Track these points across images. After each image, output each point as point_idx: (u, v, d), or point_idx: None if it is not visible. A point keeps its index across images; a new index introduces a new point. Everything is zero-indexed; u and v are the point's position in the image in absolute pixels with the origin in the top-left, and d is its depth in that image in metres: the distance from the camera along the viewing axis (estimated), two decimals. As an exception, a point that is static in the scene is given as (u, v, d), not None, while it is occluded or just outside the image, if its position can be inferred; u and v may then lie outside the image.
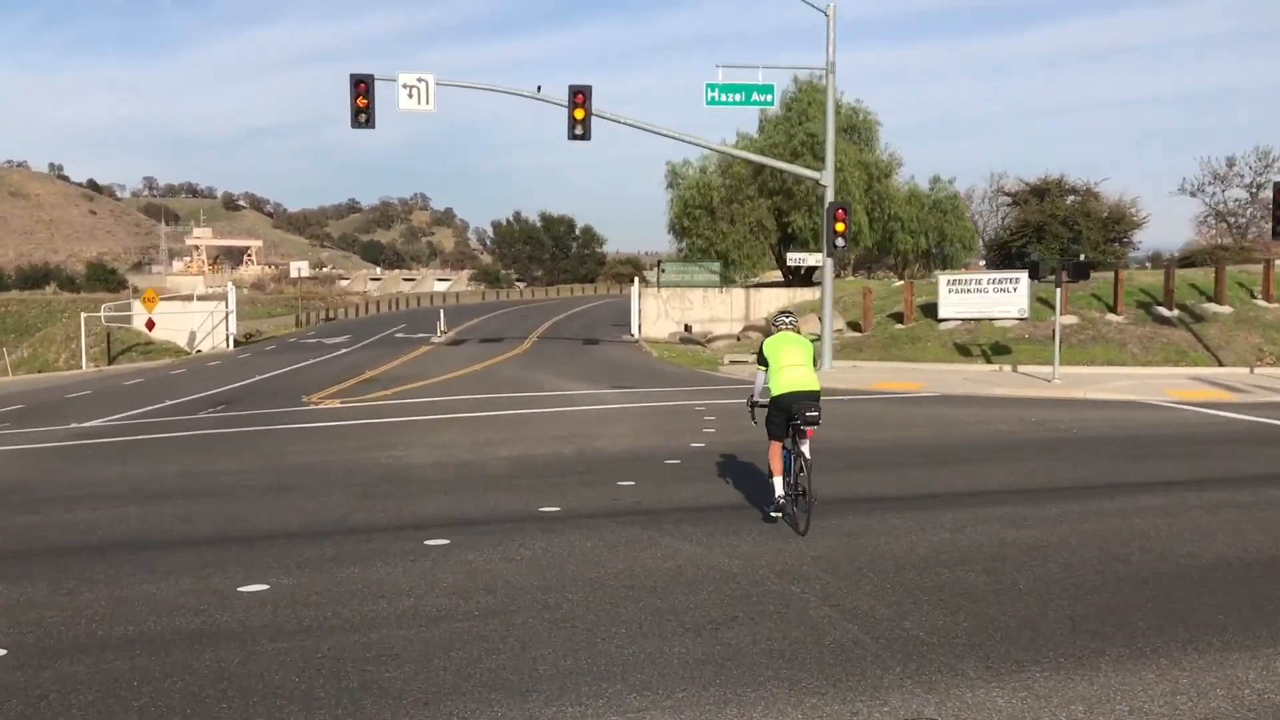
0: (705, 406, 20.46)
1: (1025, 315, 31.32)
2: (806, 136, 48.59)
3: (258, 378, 31.63)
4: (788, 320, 10.26)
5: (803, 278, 54.03)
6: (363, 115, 27.72)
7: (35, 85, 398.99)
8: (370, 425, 19.02)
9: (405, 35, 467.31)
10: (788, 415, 9.52)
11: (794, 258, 54.45)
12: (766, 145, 49.92)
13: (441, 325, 48.30)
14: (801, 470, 9.43)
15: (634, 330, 47.45)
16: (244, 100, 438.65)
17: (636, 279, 49.58)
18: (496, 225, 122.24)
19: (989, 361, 29.55)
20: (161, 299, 47.16)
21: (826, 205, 28.94)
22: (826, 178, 29.34)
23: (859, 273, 65.72)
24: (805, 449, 9.46)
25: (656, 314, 47.39)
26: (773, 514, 9.74)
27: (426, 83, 28.04)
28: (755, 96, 28.79)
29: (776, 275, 56.93)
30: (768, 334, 10.45)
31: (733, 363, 33.14)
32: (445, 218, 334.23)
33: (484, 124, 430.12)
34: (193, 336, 45.23)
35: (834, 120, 29.35)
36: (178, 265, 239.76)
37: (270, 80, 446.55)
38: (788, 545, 8.98)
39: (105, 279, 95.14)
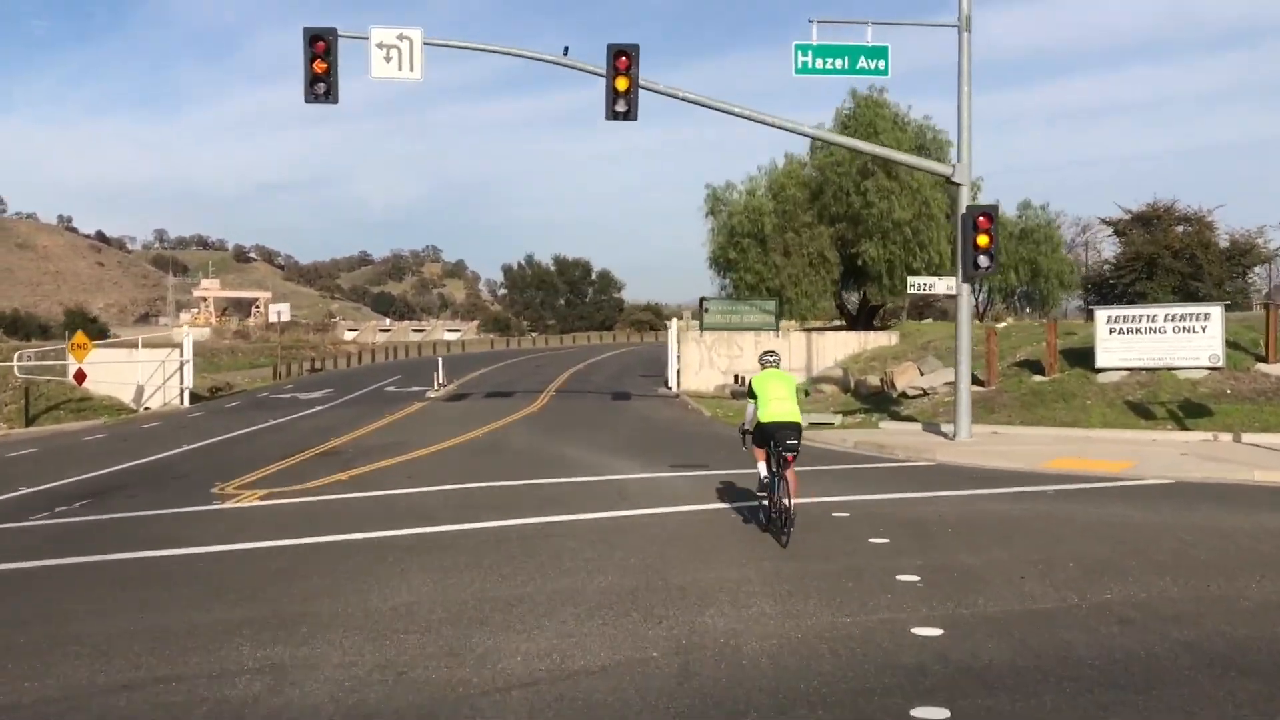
0: (851, 512, 12.11)
1: (1219, 363, 22.94)
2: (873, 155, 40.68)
3: (184, 448, 23.34)
4: (772, 359, 11.82)
5: (864, 320, 45.73)
6: (321, 84, 19.71)
7: (55, 139, 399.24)
8: (275, 558, 10.65)
9: (422, 90, 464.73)
10: (771, 440, 10.60)
11: (851, 299, 46.42)
12: (828, 164, 41.98)
13: (440, 377, 40.08)
14: (785, 494, 10.30)
15: (672, 381, 39.14)
16: (258, 155, 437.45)
17: (675, 321, 41.15)
18: (507, 270, 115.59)
19: (1183, 427, 21.08)
20: (96, 345, 38.99)
21: (961, 212, 20.72)
22: (961, 174, 21.13)
23: (925, 317, 57.33)
24: (789, 474, 10.37)
25: (699, 362, 39.16)
26: (759, 495, 11.24)
27: (411, 41, 20.06)
28: (863, 63, 20.65)
29: (827, 316, 48.69)
30: (762, 367, 11.64)
31: (819, 424, 24.76)
32: (456, 269, 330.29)
33: (501, 176, 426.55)
34: (139, 391, 37.06)
35: (968, 95, 21.16)
36: (185, 317, 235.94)
37: (284, 136, 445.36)
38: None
39: (84, 328, 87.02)
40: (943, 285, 23.37)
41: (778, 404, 10.66)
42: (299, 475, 17.22)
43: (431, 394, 37.98)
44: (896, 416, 25.94)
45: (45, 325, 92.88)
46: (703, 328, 39.42)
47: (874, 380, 31.51)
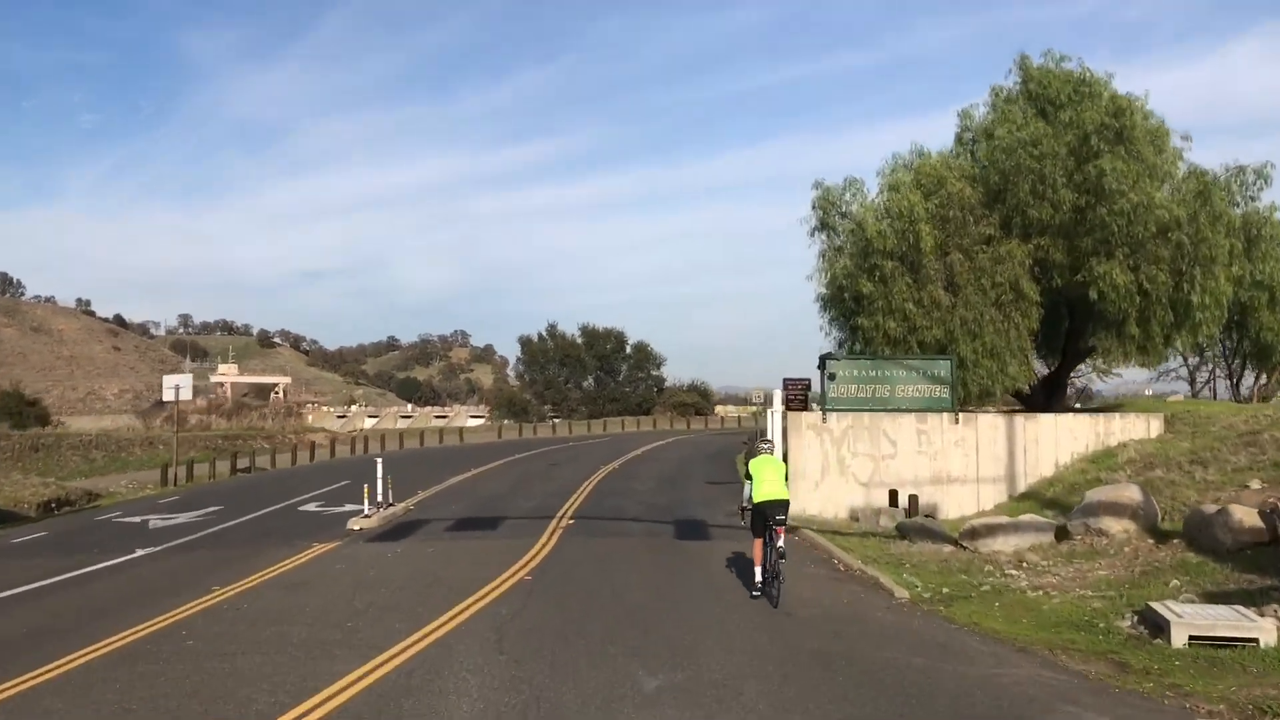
0: None
1: None
2: (1097, 125, 24.45)
3: None
4: (766, 446, 14.05)
5: (1048, 394, 28.78)
6: None
7: (95, 229, 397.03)
8: None
9: (463, 178, 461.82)
10: (765, 518, 12.93)
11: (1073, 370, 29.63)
12: (1013, 145, 25.64)
13: (378, 490, 23.09)
14: (776, 558, 12.89)
15: (774, 501, 22.40)
16: (295, 244, 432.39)
17: (778, 394, 23.99)
18: (525, 343, 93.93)
19: None
20: None
21: None
22: None
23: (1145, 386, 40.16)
24: (780, 543, 12.90)
25: (822, 465, 22.40)
26: (754, 595, 13.13)
27: None
28: None
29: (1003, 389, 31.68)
30: (753, 454, 13.74)
31: (1228, 641, 7.97)
32: (485, 354, 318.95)
33: (535, 263, 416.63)
34: None
35: None
36: (203, 403, 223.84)
37: (322, 225, 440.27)
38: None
39: (21, 411, 71.58)
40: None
41: (769, 485, 13.11)
42: None
43: (356, 523, 21.43)
44: None
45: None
46: (826, 406, 22.70)
47: (1242, 514, 14.54)
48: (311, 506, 26.04)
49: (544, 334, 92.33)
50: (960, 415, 22.57)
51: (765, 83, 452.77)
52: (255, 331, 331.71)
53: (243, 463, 43.01)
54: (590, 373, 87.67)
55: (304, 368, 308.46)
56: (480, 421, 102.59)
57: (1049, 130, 25.03)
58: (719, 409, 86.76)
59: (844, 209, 27.24)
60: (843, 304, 26.81)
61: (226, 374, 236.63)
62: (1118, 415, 23.78)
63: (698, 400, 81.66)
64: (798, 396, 31.27)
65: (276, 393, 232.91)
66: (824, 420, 22.57)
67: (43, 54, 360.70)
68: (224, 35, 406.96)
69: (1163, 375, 38.18)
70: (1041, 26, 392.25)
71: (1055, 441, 22.56)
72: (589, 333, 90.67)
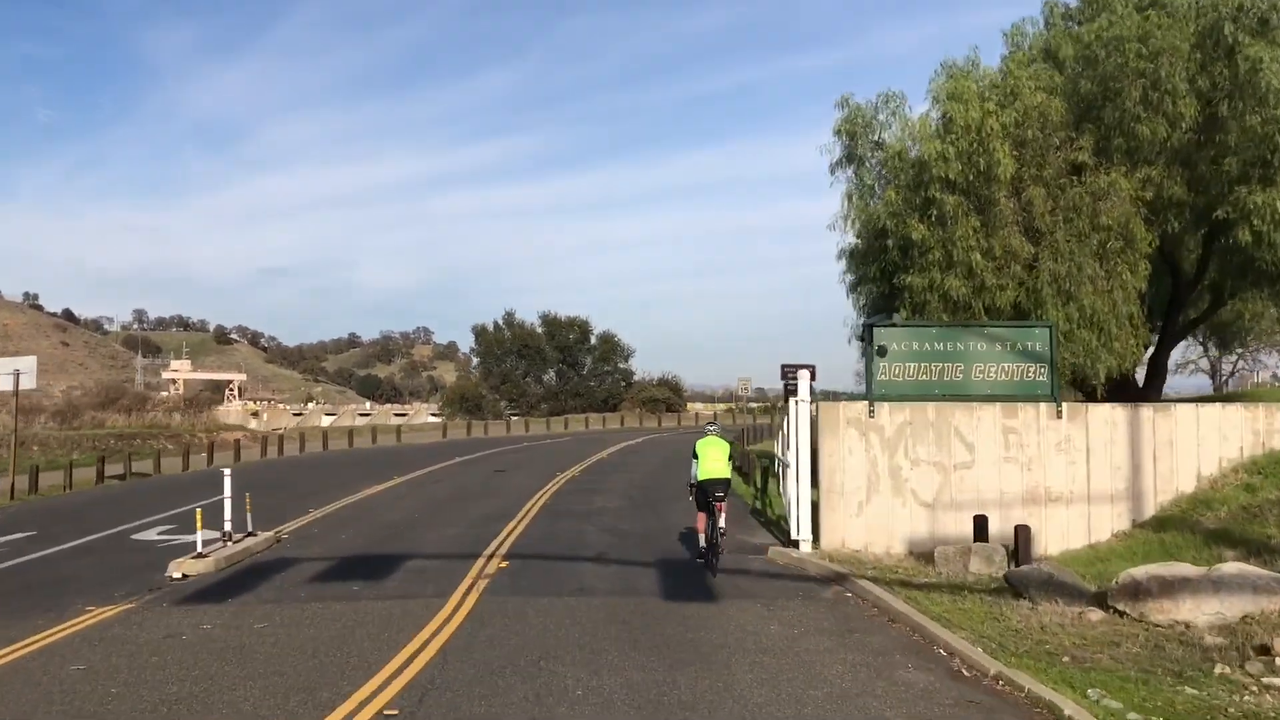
0: None
1: None
2: (1233, 8, 17.71)
3: None
4: (713, 428, 14.89)
5: (1150, 381, 22.06)
6: None
7: (52, 226, 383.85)
8: None
9: (427, 177, 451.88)
10: (707, 494, 13.63)
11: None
12: (1108, 40, 18.80)
13: (226, 515, 15.65)
14: (717, 533, 13.62)
15: (799, 525, 15.30)
16: (256, 241, 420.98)
17: (804, 376, 17.07)
18: (479, 332, 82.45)
19: None
20: None
21: None
22: None
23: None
24: (721, 519, 13.65)
25: (867, 477, 15.39)
26: (698, 560, 13.96)
27: None
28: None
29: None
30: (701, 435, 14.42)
31: None
32: (448, 351, 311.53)
33: (499, 262, 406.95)
34: None
35: None
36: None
37: (284, 223, 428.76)
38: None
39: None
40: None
41: (711, 464, 13.69)
42: None
43: (182, 567, 14.15)
44: None
45: None
46: (873, 393, 15.65)
47: None
48: (153, 534, 18.63)
49: (500, 323, 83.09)
50: (1064, 406, 15.63)
51: (728, 83, 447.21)
52: (212, 328, 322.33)
53: (141, 465, 35.45)
54: (552, 365, 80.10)
55: (261, 364, 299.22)
56: (438, 420, 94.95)
57: (1164, 21, 18.21)
58: (691, 406, 79.96)
59: (877, 135, 20.27)
60: (881, 257, 19.88)
61: (179, 370, 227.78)
62: (1262, 407, 16.92)
63: (669, 396, 74.08)
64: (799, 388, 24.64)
65: (231, 389, 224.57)
66: (870, 414, 15.53)
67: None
68: (185, 31, 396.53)
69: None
70: None
71: (1197, 444, 15.73)
72: (550, 322, 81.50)
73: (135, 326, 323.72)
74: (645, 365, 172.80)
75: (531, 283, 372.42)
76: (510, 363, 78.35)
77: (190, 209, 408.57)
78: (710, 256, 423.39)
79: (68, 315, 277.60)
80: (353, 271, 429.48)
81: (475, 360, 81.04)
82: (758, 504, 21.30)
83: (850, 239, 20.80)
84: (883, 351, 15.61)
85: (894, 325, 16.33)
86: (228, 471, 16.57)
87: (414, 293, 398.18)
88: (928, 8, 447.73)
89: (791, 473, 16.04)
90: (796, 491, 15.51)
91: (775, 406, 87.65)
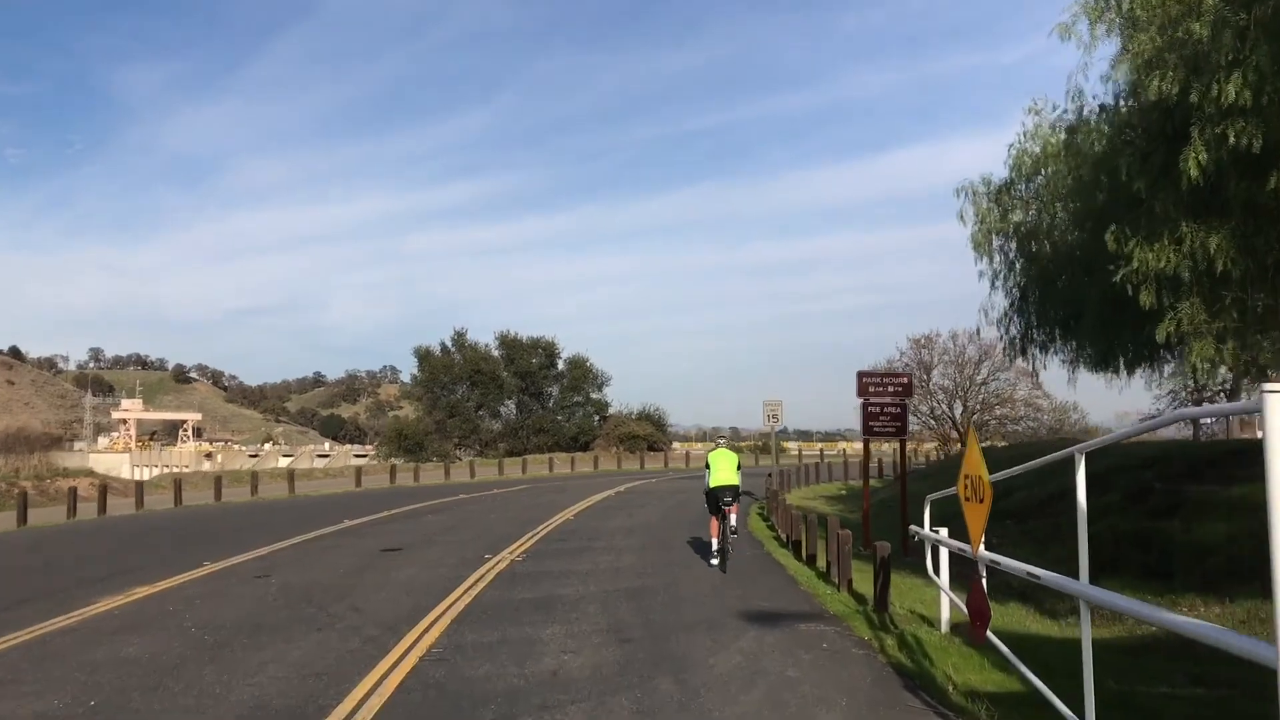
0: None
1: None
2: None
3: None
4: (723, 440, 18.06)
5: None
6: None
7: (24, 264, 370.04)
8: None
9: (399, 216, 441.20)
10: (718, 500, 14.91)
11: None
12: None
13: None
14: (729, 532, 14.94)
15: None
16: (223, 282, 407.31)
17: None
18: (423, 356, 67.44)
19: None
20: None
21: None
22: None
23: None
24: (731, 521, 15.20)
25: None
26: (712, 562, 14.96)
27: None
28: None
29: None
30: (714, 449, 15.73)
31: None
32: (414, 392, 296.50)
33: (470, 301, 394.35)
34: None
35: None
36: (104, 441, 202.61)
37: (253, 262, 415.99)
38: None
39: None
40: None
41: (721, 473, 15.12)
42: None
43: None
44: None
45: None
46: None
47: None
48: None
49: (448, 344, 67.86)
50: None
51: (701, 125, 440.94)
52: (171, 367, 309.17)
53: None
54: (511, 396, 66.38)
55: (221, 404, 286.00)
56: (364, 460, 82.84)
57: None
58: (685, 445, 68.13)
59: None
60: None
61: (130, 409, 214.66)
62: None
63: (651, 432, 61.28)
64: (888, 410, 14.12)
65: (185, 430, 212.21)
66: None
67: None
68: (160, 71, 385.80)
69: None
70: None
71: None
72: (509, 343, 66.96)
73: (91, 365, 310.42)
74: (623, 397, 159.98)
75: (504, 320, 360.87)
76: (461, 392, 65.67)
77: (160, 247, 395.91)
78: (687, 293, 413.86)
79: (13, 353, 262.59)
80: (323, 310, 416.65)
81: (419, 390, 67.50)
82: (862, 615, 9.77)
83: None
84: None
85: None
86: None
87: (384, 332, 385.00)
88: (898, 53, 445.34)
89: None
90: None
91: (764, 445, 77.05)
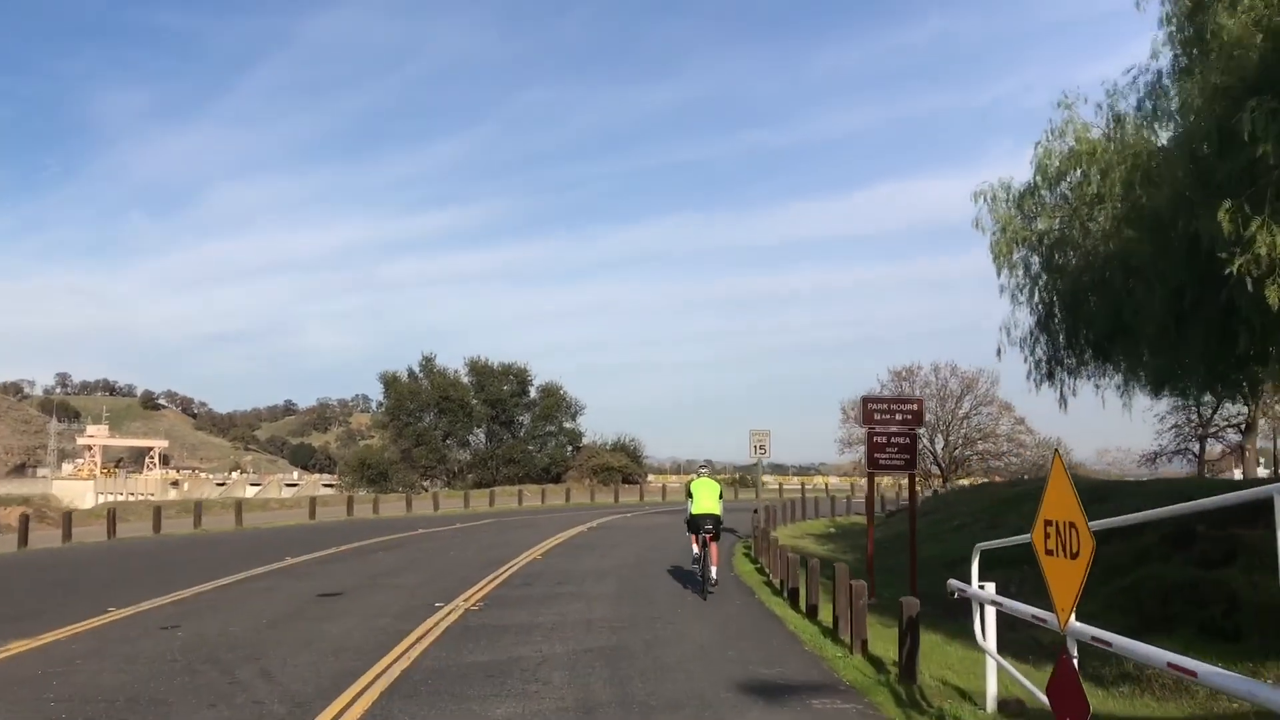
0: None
1: None
2: None
3: None
4: (704, 470, 19.08)
5: None
6: None
7: None
8: None
9: (374, 244, 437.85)
10: (698, 527, 15.13)
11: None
12: None
13: None
14: (709, 562, 15.10)
15: None
16: (196, 308, 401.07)
17: None
18: (389, 382, 64.79)
19: None
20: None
21: None
22: None
23: None
24: (712, 551, 15.22)
25: None
26: (693, 564, 15.92)
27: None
28: None
29: None
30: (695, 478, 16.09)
31: None
32: (382, 419, 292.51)
33: (447, 331, 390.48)
34: None
35: None
36: (69, 468, 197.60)
37: (227, 289, 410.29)
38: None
39: None
40: None
41: (703, 501, 15.25)
42: None
43: None
44: None
45: None
46: None
47: None
48: None
49: (415, 370, 65.58)
50: None
51: (679, 159, 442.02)
52: (139, 393, 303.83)
53: None
54: (480, 424, 63.86)
55: (190, 431, 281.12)
56: (330, 490, 79.98)
57: None
58: (661, 477, 65.74)
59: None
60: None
61: (95, 436, 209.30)
62: None
63: (626, 464, 58.98)
64: (895, 440, 12.35)
65: (151, 458, 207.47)
66: None
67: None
68: (136, 96, 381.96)
69: None
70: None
71: None
72: (479, 369, 64.61)
73: (58, 390, 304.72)
74: (597, 428, 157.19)
75: (479, 349, 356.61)
76: (429, 420, 63.09)
77: (132, 272, 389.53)
78: (663, 325, 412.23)
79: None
80: (295, 337, 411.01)
81: (385, 417, 64.68)
82: (885, 686, 7.81)
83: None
84: None
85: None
86: None
87: (357, 360, 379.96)
88: (873, 91, 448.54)
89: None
90: None
91: (742, 479, 74.86)
